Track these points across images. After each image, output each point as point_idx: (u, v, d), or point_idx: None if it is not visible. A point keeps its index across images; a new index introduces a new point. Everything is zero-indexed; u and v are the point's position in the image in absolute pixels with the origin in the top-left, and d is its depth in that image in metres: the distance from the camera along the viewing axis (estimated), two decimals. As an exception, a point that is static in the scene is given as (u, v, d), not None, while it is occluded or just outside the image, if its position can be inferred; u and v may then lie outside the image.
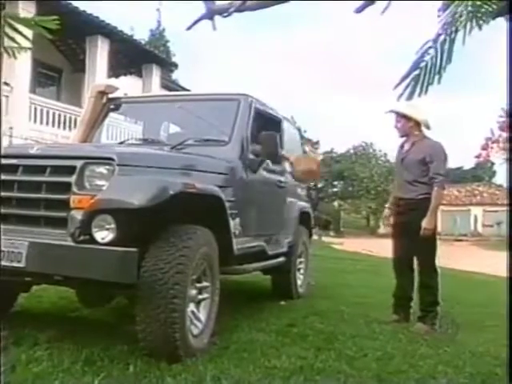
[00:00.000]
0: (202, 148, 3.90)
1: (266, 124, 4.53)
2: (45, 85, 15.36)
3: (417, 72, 1.93)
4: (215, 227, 3.27)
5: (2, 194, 3.03)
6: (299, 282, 5.38)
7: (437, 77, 1.90)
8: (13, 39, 2.05)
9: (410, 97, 1.96)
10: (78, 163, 2.94)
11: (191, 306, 3.06)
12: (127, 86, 16.91)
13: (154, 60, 15.69)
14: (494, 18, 1.86)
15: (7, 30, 1.99)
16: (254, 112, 4.34)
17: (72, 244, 2.76)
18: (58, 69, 15.76)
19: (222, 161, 3.83)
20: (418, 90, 1.93)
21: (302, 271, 5.52)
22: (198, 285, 3.14)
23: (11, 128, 10.13)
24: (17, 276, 2.95)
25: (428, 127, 4.40)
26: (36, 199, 3.04)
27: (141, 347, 2.99)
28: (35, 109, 11.84)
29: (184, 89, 21.35)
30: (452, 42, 1.85)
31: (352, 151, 43.25)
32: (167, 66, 17.80)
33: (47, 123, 12.15)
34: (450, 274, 9.43)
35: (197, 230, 3.07)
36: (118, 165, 2.90)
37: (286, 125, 5.23)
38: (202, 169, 3.55)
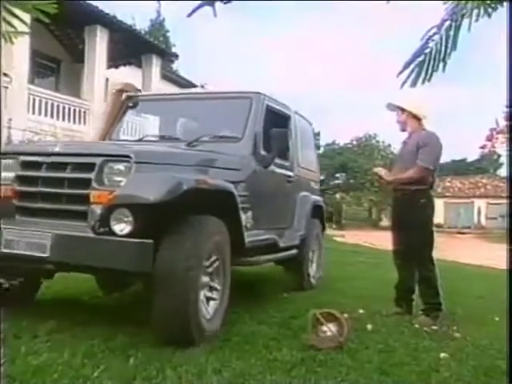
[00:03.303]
0: (216, 144, 4.10)
1: (277, 120, 4.71)
2: (43, 75, 15.32)
3: (421, 58, 1.90)
4: (227, 220, 3.45)
5: (27, 189, 3.33)
6: (312, 274, 5.55)
7: (441, 64, 1.88)
8: (10, 24, 2.03)
9: (413, 84, 1.93)
10: (98, 160, 3.15)
11: (204, 292, 3.26)
12: (127, 76, 16.91)
13: (153, 50, 15.64)
14: (501, 2, 1.83)
15: (4, 14, 1.97)
16: (265, 109, 4.52)
17: (92, 236, 2.98)
18: (57, 59, 15.71)
19: (235, 157, 4.01)
20: (422, 77, 1.90)
21: (314, 263, 5.68)
22: (210, 271, 3.32)
23: (10, 119, 10.11)
24: (40, 264, 3.16)
25: (424, 117, 4.37)
26: (58, 194, 3.26)
27: (141, 339, 3.00)
28: (34, 100, 11.82)
29: (184, 79, 21.31)
30: (458, 28, 1.82)
31: (355, 142, 43.14)
32: (167, 56, 17.73)
33: (46, 114, 12.12)
34: (452, 267, 9.45)
35: (209, 220, 3.28)
36: (135, 162, 3.08)
37: (297, 120, 5.39)
38: (216, 165, 3.75)
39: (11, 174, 3.39)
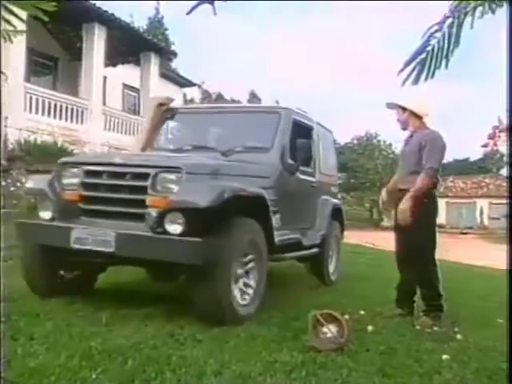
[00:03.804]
0: (248, 154, 4.67)
1: (301, 130, 5.27)
2: (40, 74, 15.28)
3: (423, 56, 1.89)
4: (261, 221, 4.07)
5: (90, 194, 3.98)
6: (331, 270, 6.11)
7: (444, 61, 1.87)
8: (8, 22, 2.02)
9: (415, 82, 1.93)
10: (153, 171, 3.75)
11: (240, 282, 3.91)
12: (125, 74, 16.91)
13: (152, 48, 15.60)
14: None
15: (2, 12, 1.97)
16: (292, 122, 5.09)
17: (151, 234, 3.59)
18: (54, 57, 15.67)
19: (266, 166, 4.60)
20: (424, 74, 1.90)
21: (333, 261, 6.21)
22: (246, 265, 3.97)
23: (6, 118, 10.10)
24: (106, 258, 3.85)
25: (426, 115, 4.36)
26: (118, 199, 3.89)
27: (140, 340, 3.00)
28: (31, 98, 11.78)
29: (183, 78, 21.31)
30: (460, 25, 1.82)
31: (355, 142, 43.12)
32: (166, 54, 17.71)
33: (43, 113, 12.08)
34: (454, 267, 9.44)
35: (245, 221, 3.92)
36: (185, 173, 3.68)
37: (319, 129, 5.96)
38: (250, 174, 4.36)
39: (76, 181, 4.03)
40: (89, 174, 4.01)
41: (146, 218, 3.70)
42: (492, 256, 13.07)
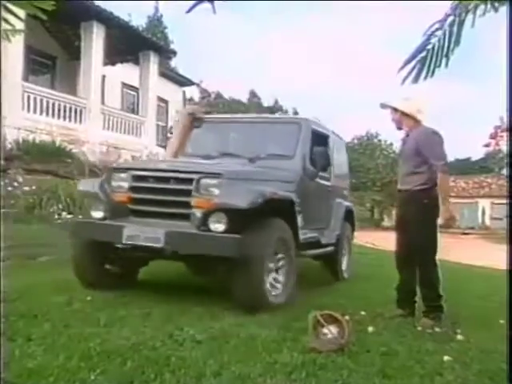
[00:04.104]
0: (272, 161, 5.22)
1: (319, 139, 5.79)
2: (38, 73, 15.27)
3: (423, 54, 1.89)
4: (288, 221, 4.58)
5: (138, 196, 4.52)
6: (344, 268, 6.65)
7: (444, 60, 1.87)
8: (6, 21, 2.02)
9: (415, 80, 1.92)
10: (196, 176, 4.30)
11: (272, 275, 4.43)
12: (124, 73, 16.90)
13: (151, 47, 15.60)
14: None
15: (2, 11, 1.97)
16: (311, 132, 5.64)
17: (197, 232, 4.13)
18: (53, 56, 15.66)
19: (290, 172, 5.16)
20: (424, 73, 1.89)
21: (345, 259, 6.74)
22: (277, 260, 4.49)
23: (4, 117, 10.10)
24: (156, 253, 4.38)
25: (419, 112, 4.38)
26: (164, 201, 4.42)
27: (139, 341, 3.00)
28: (28, 97, 11.77)
29: (183, 76, 21.31)
30: (461, 23, 1.81)
31: (356, 141, 43.12)
32: (165, 53, 17.71)
33: (41, 112, 12.08)
34: (456, 268, 9.44)
35: (275, 221, 4.45)
36: (225, 178, 4.24)
37: (333, 137, 6.56)
38: (277, 179, 4.91)
39: (125, 185, 4.55)
40: (137, 178, 4.57)
41: (191, 217, 4.28)
42: (493, 256, 13.06)
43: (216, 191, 4.22)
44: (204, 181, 4.29)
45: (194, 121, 6.04)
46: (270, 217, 4.40)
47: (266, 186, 4.51)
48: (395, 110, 4.44)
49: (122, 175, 4.63)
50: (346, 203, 6.80)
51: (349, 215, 6.74)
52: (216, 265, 4.41)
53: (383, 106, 4.53)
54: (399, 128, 4.53)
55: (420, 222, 4.25)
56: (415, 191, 4.28)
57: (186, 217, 4.31)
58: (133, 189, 4.54)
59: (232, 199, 4.14)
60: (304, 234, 4.98)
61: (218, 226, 4.09)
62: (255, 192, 4.18)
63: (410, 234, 4.31)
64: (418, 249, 4.32)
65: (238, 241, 3.98)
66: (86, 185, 5.19)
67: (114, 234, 4.31)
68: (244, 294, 4.15)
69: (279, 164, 5.17)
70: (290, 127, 5.74)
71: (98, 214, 4.52)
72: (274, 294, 4.37)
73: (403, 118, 4.42)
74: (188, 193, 4.29)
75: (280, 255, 4.52)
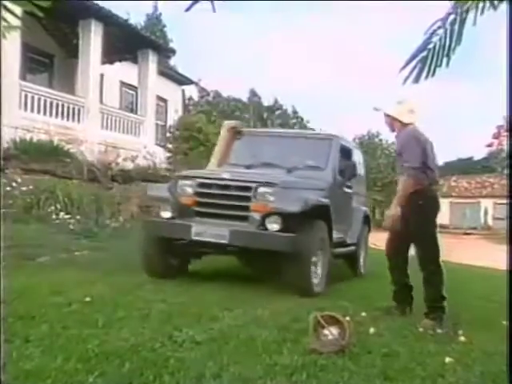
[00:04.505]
0: (307, 171, 6.10)
1: (344, 152, 6.79)
2: (36, 71, 15.28)
3: (424, 54, 1.89)
4: (325, 223, 5.47)
5: (203, 200, 5.41)
6: (361, 265, 7.56)
7: (445, 59, 1.87)
8: (3, 18, 2.02)
9: (416, 80, 1.93)
10: (254, 185, 5.22)
11: (314, 267, 5.23)
12: (122, 72, 16.90)
13: (150, 45, 15.60)
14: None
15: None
16: (339, 147, 6.61)
17: (257, 231, 5.09)
18: (50, 54, 15.67)
19: (323, 181, 5.99)
20: (425, 72, 1.89)
21: (362, 258, 7.61)
22: (318, 254, 5.33)
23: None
24: (221, 247, 5.24)
25: (411, 111, 4.53)
26: (225, 205, 5.30)
27: (137, 342, 3.00)
28: (26, 96, 11.77)
29: (182, 75, 21.31)
30: (462, 22, 1.81)
31: (357, 141, 43.11)
32: (164, 51, 17.70)
33: (39, 111, 12.08)
34: (457, 268, 9.43)
35: (316, 223, 5.33)
36: (279, 187, 5.15)
37: (355, 150, 7.65)
38: (314, 187, 5.75)
39: (191, 190, 5.41)
40: (202, 185, 5.44)
41: (250, 219, 5.19)
42: (495, 256, 13.08)
43: (271, 198, 5.11)
44: (261, 189, 5.18)
45: (236, 134, 6.93)
46: (313, 219, 5.24)
47: (307, 193, 5.41)
48: (385, 114, 4.65)
49: (188, 182, 5.51)
50: (364, 208, 7.79)
51: (366, 219, 7.71)
52: (266, 259, 5.29)
53: (376, 109, 4.73)
54: (392, 130, 4.70)
55: (418, 224, 4.32)
56: (411, 193, 4.32)
57: (244, 218, 5.24)
58: (198, 194, 5.42)
59: (286, 205, 5.01)
60: (335, 234, 5.84)
61: (274, 226, 5.01)
62: (304, 199, 5.10)
63: (408, 235, 4.40)
64: (419, 251, 4.40)
65: (292, 239, 4.91)
66: (155, 189, 6.25)
67: (183, 231, 5.22)
68: (295, 283, 5.06)
69: (313, 174, 6.05)
70: (322, 142, 6.69)
71: (166, 215, 5.39)
72: (315, 282, 5.25)
73: (393, 121, 4.61)
74: (247, 198, 5.22)
75: (320, 251, 5.37)
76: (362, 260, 7.57)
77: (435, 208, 4.48)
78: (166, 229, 5.38)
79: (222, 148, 6.82)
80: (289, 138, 7.27)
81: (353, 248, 6.89)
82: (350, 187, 6.97)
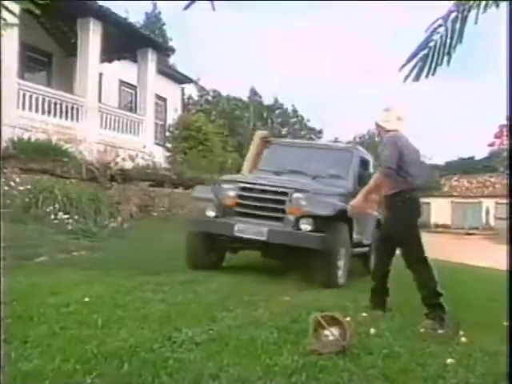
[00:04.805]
0: (330, 180, 6.79)
1: (362, 163, 7.57)
2: (34, 70, 15.26)
3: (425, 52, 1.88)
4: (348, 225, 6.26)
5: (244, 202, 6.21)
6: (372, 264, 8.08)
7: (446, 57, 1.86)
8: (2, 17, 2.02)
9: (416, 78, 1.92)
10: (289, 191, 6.05)
11: (338, 263, 6.01)
12: (121, 71, 16.90)
13: (149, 44, 15.58)
14: None
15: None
16: (359, 158, 7.40)
17: (292, 230, 5.89)
18: (48, 53, 15.66)
19: (344, 189, 6.66)
20: (425, 70, 1.89)
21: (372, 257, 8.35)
22: (342, 252, 6.10)
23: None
24: (260, 243, 6.01)
25: (399, 119, 4.82)
26: (263, 207, 6.12)
27: (136, 343, 3.00)
28: (24, 95, 11.77)
29: (181, 74, 21.30)
30: (464, 20, 1.81)
31: (358, 140, 43.11)
32: (163, 50, 17.70)
33: (37, 110, 12.07)
34: (459, 269, 9.43)
35: (341, 225, 6.10)
36: (311, 193, 5.86)
37: (371, 161, 8.37)
38: (337, 194, 6.42)
39: (233, 193, 6.22)
40: (243, 189, 6.22)
41: (284, 220, 6.01)
42: (497, 257, 13.08)
43: (304, 202, 5.92)
44: (296, 194, 5.98)
45: (265, 143, 7.71)
46: (338, 222, 5.97)
47: (333, 199, 6.18)
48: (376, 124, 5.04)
49: (231, 186, 6.29)
50: (376, 214, 8.25)
51: (378, 223, 8.36)
52: (295, 255, 6.03)
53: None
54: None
55: (399, 226, 4.51)
56: (389, 196, 4.59)
57: (279, 219, 6.05)
58: (239, 196, 6.21)
59: (317, 209, 5.83)
60: (354, 236, 6.61)
61: (306, 226, 5.81)
62: (332, 204, 5.94)
63: (392, 238, 4.64)
64: (403, 252, 4.61)
65: (322, 238, 5.69)
66: (200, 192, 6.98)
67: (226, 228, 6.01)
68: (323, 276, 5.87)
69: (335, 182, 6.75)
70: (344, 154, 7.50)
71: (211, 214, 6.19)
72: (339, 275, 6.02)
73: (379, 128, 4.99)
74: (283, 202, 6.04)
75: (343, 250, 6.15)
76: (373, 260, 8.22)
77: (416, 211, 4.68)
78: (211, 226, 6.18)
79: (254, 155, 7.64)
80: (314, 148, 8.29)
81: (367, 248, 7.56)
82: None
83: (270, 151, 7.65)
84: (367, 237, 7.58)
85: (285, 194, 6.03)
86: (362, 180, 6.83)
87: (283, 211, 6.01)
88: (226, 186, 6.35)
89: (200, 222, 6.43)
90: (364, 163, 7.63)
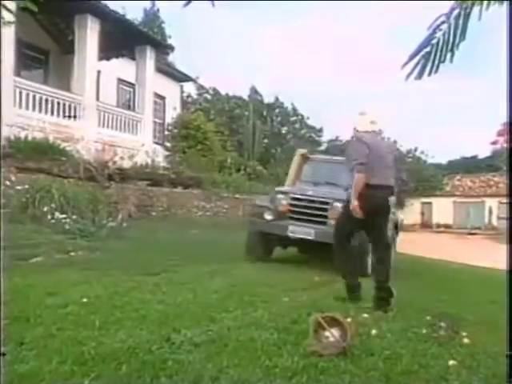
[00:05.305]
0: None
1: None
2: (31, 67, 15.26)
3: (427, 49, 1.88)
4: None
5: (295, 209, 7.75)
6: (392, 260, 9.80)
7: (449, 54, 1.86)
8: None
9: (419, 76, 1.92)
10: (331, 200, 7.41)
11: (368, 258, 6.80)
12: (119, 69, 16.89)
13: (148, 42, 15.60)
14: None
15: None
16: None
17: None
18: (45, 50, 15.66)
19: None
20: (428, 68, 1.88)
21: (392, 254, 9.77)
22: (370, 247, 6.21)
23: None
24: (307, 241, 7.51)
25: (373, 122, 5.34)
26: (311, 213, 7.62)
27: (134, 345, 2.99)
28: (20, 93, 11.77)
29: (180, 72, 21.31)
30: (467, 16, 1.80)
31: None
32: (162, 48, 17.70)
33: (34, 108, 12.07)
34: (460, 269, 9.46)
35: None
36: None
37: None
38: None
39: (286, 201, 7.78)
40: (294, 198, 7.80)
41: (328, 223, 7.22)
42: (500, 257, 13.09)
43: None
44: (336, 203, 7.07)
45: (305, 159, 9.30)
46: None
47: None
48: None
49: (284, 196, 7.88)
50: (394, 217, 9.81)
51: (395, 225, 9.83)
52: (328, 250, 6.32)
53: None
54: None
55: (377, 216, 5.33)
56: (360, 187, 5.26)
57: (323, 223, 7.41)
58: (291, 205, 7.77)
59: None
60: None
61: None
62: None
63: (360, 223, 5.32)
64: (374, 238, 5.46)
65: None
66: (260, 200, 8.62)
67: (281, 229, 7.58)
68: (360, 267, 6.32)
69: None
70: None
71: (269, 217, 7.78)
72: (368, 267, 6.79)
73: (354, 131, 5.40)
74: (325, 209, 7.50)
75: (370, 246, 6.72)
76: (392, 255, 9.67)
77: (368, 201, 5.11)
78: (269, 227, 7.77)
79: (295, 169, 9.28)
80: (344, 164, 9.28)
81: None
82: None
83: (308, 166, 9.28)
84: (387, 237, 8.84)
85: (327, 203, 7.50)
86: None
87: (326, 216, 7.43)
88: (280, 196, 7.94)
89: (259, 223, 7.92)
90: None
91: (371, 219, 5.18)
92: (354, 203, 5.10)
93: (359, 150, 5.14)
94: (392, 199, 10.03)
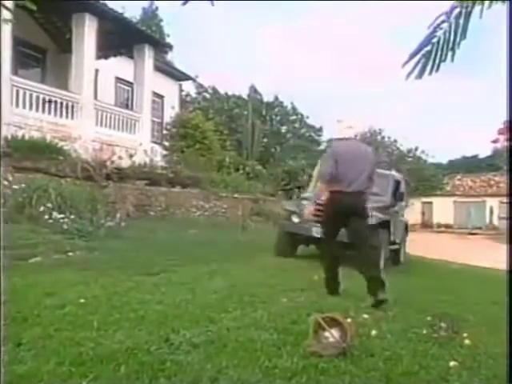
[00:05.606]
0: (374, 197, 7.63)
1: (396, 182, 10.61)
2: (28, 66, 15.24)
3: (428, 48, 1.88)
4: (387, 229, 8.87)
5: (319, 213, 6.80)
6: (402, 259, 11.05)
7: (450, 53, 1.86)
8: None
9: (419, 75, 1.92)
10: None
11: (381, 254, 7.55)
12: (118, 67, 16.88)
13: (146, 40, 15.57)
14: None
15: None
16: (394, 180, 10.41)
17: None
18: (43, 48, 15.64)
19: (384, 203, 9.08)
20: (428, 67, 1.89)
21: (402, 252, 11.22)
22: (384, 247, 7.90)
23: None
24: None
25: (350, 127, 5.77)
26: None
27: (133, 344, 2.99)
28: (17, 92, 11.75)
29: (178, 71, 21.29)
30: (468, 15, 1.81)
31: (359, 138, 43.05)
32: (161, 46, 17.69)
33: (31, 107, 12.06)
34: (461, 269, 9.46)
35: (384, 231, 8.54)
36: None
37: (402, 179, 11.42)
38: (382, 206, 8.73)
39: (310, 206, 7.66)
40: (317, 204, 7.45)
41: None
42: (500, 257, 13.10)
43: (376, 212, 7.66)
44: (373, 211, 7.34)
45: None
46: (382, 227, 8.31)
47: (377, 212, 8.03)
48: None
49: (309, 201, 8.26)
50: (405, 219, 11.71)
51: (406, 226, 11.71)
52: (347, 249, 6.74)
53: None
54: None
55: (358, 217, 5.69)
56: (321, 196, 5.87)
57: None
58: (315, 209, 7.73)
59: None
60: (391, 236, 9.12)
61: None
62: (378, 217, 8.05)
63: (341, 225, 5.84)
64: (356, 238, 5.74)
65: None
66: (288, 205, 10.37)
67: (307, 230, 8.35)
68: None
69: (378, 198, 8.41)
70: (383, 177, 9.43)
71: (296, 220, 8.85)
72: (381, 263, 7.02)
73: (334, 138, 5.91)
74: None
75: (384, 245, 8.15)
76: (402, 253, 11.17)
77: (331, 205, 5.58)
78: (296, 228, 8.80)
79: (315, 178, 9.80)
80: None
81: (398, 246, 10.32)
82: (397, 206, 10.58)
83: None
84: (398, 237, 10.31)
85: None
86: (395, 195, 10.02)
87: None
88: (305, 202, 8.83)
89: (288, 225, 9.07)
90: (397, 183, 10.55)
91: (344, 221, 5.61)
92: (310, 208, 6.71)
93: (326, 161, 5.62)
94: (402, 204, 11.03)
